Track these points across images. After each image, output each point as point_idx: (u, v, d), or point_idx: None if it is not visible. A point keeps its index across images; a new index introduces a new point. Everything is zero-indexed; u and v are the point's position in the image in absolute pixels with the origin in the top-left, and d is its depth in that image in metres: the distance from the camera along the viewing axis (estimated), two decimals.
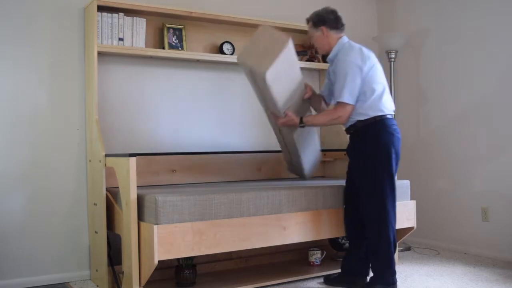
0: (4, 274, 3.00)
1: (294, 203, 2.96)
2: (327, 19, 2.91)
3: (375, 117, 2.79)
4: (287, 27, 3.88)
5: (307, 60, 3.96)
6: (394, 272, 2.83)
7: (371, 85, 2.79)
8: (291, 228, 2.94)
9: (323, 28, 2.90)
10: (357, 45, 2.87)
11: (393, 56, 4.17)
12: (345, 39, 2.92)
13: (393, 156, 2.79)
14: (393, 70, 4.18)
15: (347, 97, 2.76)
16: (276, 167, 3.76)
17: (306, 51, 3.97)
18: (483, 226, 3.75)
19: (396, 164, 2.83)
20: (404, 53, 4.33)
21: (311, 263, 3.44)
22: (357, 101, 2.79)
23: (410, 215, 3.40)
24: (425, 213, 4.07)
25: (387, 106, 2.84)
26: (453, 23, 3.97)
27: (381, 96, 2.81)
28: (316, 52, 3.98)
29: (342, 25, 2.94)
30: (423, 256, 3.81)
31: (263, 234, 2.84)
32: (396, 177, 2.86)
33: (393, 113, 2.91)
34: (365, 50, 2.85)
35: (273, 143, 3.94)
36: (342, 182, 3.21)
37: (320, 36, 2.93)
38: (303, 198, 2.99)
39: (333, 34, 2.91)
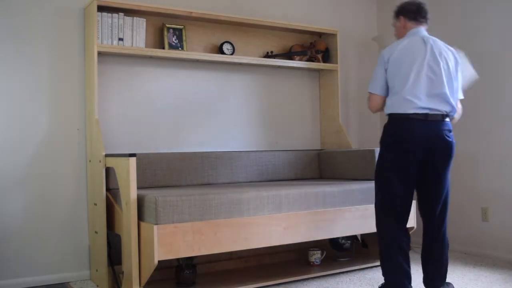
0: (4, 274, 3.00)
1: (294, 203, 2.96)
2: (405, 10, 2.78)
3: None
4: (288, 27, 3.88)
5: (307, 60, 3.96)
6: None
7: None
8: (291, 228, 2.94)
9: (401, 17, 2.80)
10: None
11: None
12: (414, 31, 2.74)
13: None
14: None
15: None
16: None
17: (306, 51, 3.96)
18: (483, 226, 3.75)
19: None
20: None
21: (311, 263, 3.44)
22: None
23: (410, 215, 3.40)
24: None
25: None
26: (453, 23, 3.97)
27: None
28: (316, 52, 3.98)
29: (421, 17, 2.76)
30: None
31: (263, 234, 2.84)
32: None
33: None
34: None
35: (273, 143, 3.96)
36: (342, 182, 3.20)
37: (397, 26, 2.83)
38: (303, 198, 2.99)
39: (410, 24, 2.76)
